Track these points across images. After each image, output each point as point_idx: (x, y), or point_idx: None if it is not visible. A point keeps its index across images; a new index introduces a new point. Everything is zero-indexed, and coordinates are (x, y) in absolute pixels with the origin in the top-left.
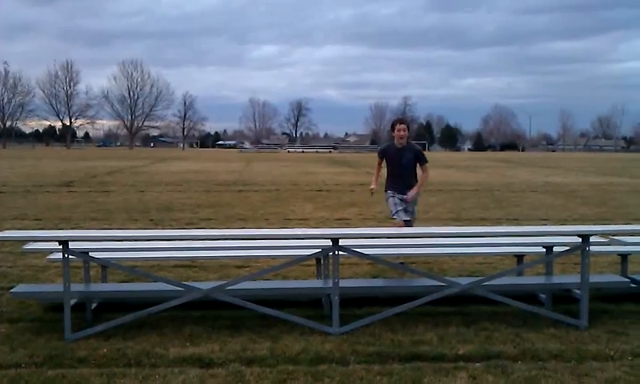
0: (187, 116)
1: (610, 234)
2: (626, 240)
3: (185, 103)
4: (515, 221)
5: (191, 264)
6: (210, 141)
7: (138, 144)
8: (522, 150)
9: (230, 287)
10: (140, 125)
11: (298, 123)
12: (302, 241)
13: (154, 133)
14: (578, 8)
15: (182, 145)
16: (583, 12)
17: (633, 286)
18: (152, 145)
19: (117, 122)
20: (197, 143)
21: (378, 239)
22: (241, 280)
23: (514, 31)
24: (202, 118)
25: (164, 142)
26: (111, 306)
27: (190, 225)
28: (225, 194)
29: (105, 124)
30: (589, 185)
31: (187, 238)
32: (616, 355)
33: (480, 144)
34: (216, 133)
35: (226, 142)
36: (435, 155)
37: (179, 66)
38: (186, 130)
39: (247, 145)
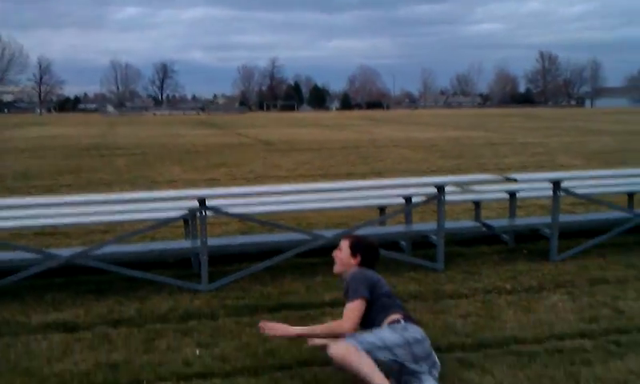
0: (43, 80)
1: (463, 184)
2: (478, 189)
3: (40, 67)
4: (379, 175)
5: (53, 231)
6: (69, 105)
7: None
8: (387, 108)
9: (93, 252)
10: None
11: (164, 85)
12: (169, 203)
13: (8, 98)
14: None
15: (38, 110)
16: None
17: (484, 229)
18: (6, 111)
19: None
20: (55, 108)
21: (246, 197)
22: (104, 245)
23: None
24: (59, 82)
25: (19, 108)
26: None
27: (50, 192)
28: (86, 159)
29: None
30: (447, 139)
31: (45, 204)
32: (469, 293)
33: (347, 103)
34: (76, 97)
35: (87, 106)
36: (304, 115)
37: (34, 29)
38: (42, 95)
39: (110, 108)
